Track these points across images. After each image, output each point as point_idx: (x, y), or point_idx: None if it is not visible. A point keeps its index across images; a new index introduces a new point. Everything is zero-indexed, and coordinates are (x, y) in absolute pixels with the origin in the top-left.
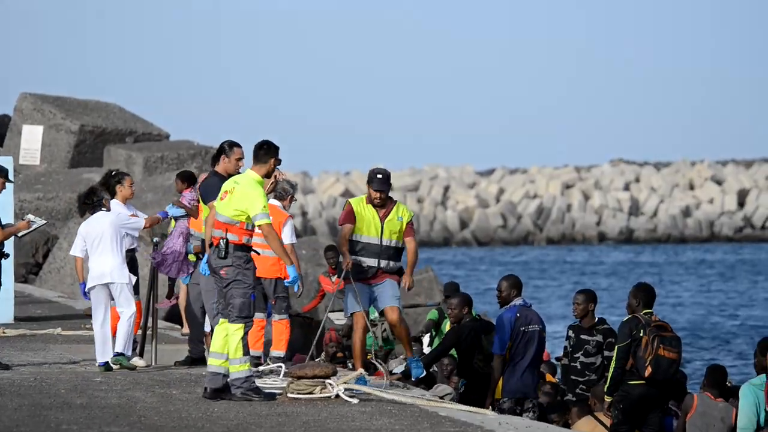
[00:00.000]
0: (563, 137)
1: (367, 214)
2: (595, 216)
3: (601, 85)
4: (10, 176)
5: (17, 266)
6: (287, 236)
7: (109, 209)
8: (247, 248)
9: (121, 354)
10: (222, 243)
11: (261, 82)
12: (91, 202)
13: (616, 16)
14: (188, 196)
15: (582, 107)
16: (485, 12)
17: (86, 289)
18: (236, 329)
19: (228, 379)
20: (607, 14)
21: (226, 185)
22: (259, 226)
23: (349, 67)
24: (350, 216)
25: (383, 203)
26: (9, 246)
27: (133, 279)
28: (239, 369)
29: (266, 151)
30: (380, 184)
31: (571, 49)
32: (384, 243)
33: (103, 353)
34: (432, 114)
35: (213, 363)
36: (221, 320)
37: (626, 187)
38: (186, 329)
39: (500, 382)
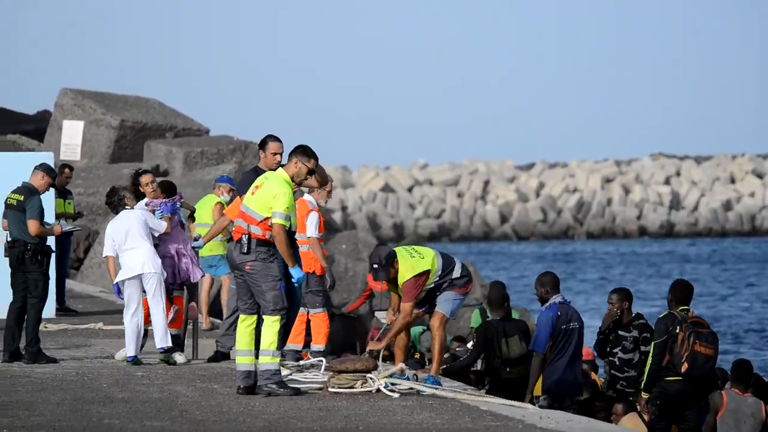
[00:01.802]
0: (603, 131)
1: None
2: (635, 210)
3: (641, 78)
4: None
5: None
6: (310, 229)
7: (132, 207)
8: (269, 244)
9: (166, 351)
10: (244, 238)
11: (301, 76)
12: (111, 202)
13: (656, 9)
14: (153, 202)
15: (622, 101)
16: (524, 5)
17: (118, 282)
18: (272, 321)
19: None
20: (646, 7)
21: (258, 180)
22: (271, 223)
23: (389, 60)
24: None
25: (395, 285)
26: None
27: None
28: (269, 361)
29: (293, 152)
30: (377, 273)
31: (611, 42)
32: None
33: (134, 347)
34: (472, 108)
35: (242, 361)
36: (243, 317)
37: (667, 181)
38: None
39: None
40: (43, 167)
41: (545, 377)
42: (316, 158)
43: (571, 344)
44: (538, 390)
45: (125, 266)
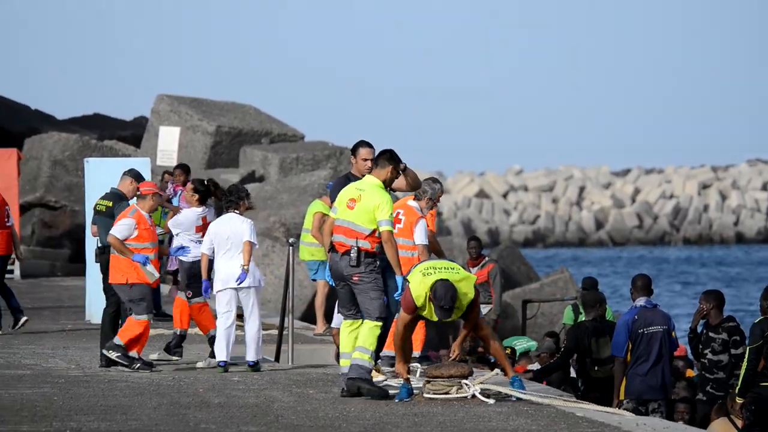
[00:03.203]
0: (700, 137)
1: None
2: (732, 216)
3: (738, 84)
4: (147, 178)
5: None
6: (419, 237)
7: (241, 213)
8: (376, 255)
9: (257, 363)
10: (353, 251)
11: (396, 82)
12: (229, 200)
13: (759, 12)
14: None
15: (719, 106)
16: (620, 9)
17: (215, 292)
18: (374, 326)
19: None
20: (748, 11)
21: (350, 192)
22: (379, 233)
23: (484, 67)
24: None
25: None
26: None
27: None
28: (366, 358)
29: (382, 158)
30: (448, 314)
31: (708, 48)
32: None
33: (225, 353)
34: (567, 114)
35: (346, 364)
36: (347, 322)
37: (764, 187)
38: (320, 328)
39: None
40: (132, 173)
41: (628, 381)
42: (399, 161)
43: (654, 348)
44: (622, 394)
45: (221, 275)
